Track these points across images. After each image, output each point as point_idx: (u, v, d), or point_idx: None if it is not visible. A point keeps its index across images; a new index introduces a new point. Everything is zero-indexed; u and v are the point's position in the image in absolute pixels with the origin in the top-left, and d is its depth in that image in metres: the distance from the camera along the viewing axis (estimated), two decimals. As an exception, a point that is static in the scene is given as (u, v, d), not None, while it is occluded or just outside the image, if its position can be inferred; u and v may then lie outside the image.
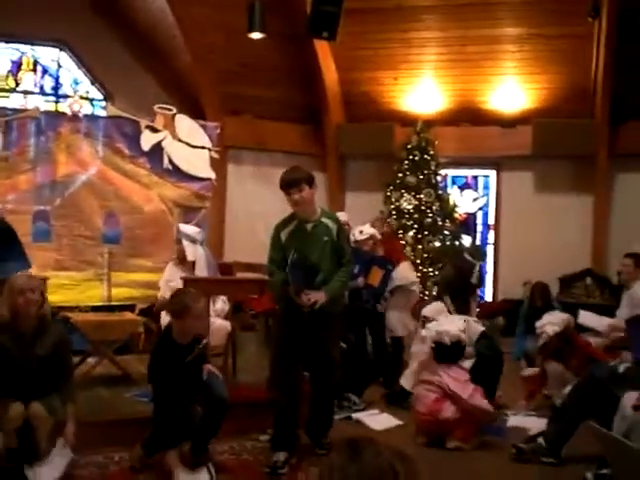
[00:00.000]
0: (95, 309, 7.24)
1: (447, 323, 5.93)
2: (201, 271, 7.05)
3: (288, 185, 5.14)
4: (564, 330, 6.61)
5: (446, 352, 5.78)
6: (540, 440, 5.15)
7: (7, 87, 13.04)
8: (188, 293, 5.08)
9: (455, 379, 5.64)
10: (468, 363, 6.08)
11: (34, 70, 13.24)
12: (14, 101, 12.84)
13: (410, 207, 11.27)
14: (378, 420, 6.29)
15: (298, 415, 5.28)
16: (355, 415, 6.37)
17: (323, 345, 5.26)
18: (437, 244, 11.23)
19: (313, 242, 5.18)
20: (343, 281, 5.32)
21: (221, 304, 7.08)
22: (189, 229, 7.56)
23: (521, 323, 8.76)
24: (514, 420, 6.40)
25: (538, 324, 6.86)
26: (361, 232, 7.39)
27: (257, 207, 11.95)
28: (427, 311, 6.88)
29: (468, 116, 12.39)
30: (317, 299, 5.01)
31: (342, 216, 7.62)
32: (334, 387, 5.46)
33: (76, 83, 13.46)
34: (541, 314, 8.23)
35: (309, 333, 5.15)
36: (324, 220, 5.29)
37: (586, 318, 7.90)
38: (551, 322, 6.67)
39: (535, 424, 5.88)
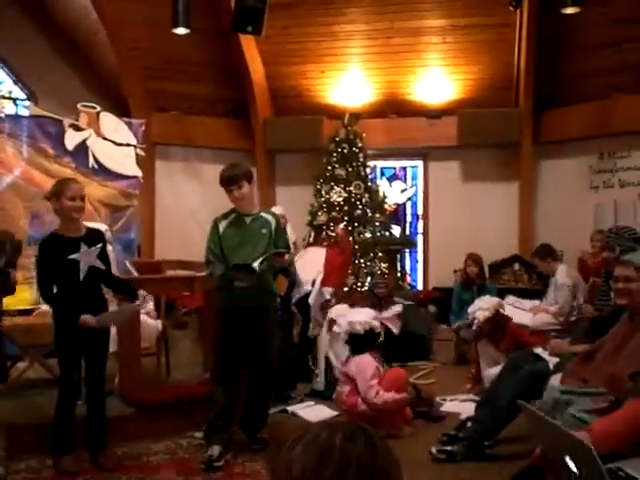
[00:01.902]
0: (23, 313, 7.11)
1: (357, 314, 5.98)
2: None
3: (228, 182, 5.21)
4: (495, 314, 6.74)
5: (361, 341, 5.83)
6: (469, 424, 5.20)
7: None
8: (63, 179, 5.08)
9: (362, 373, 5.66)
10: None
11: (-47, 70, 12.93)
12: None
13: (340, 199, 11.32)
14: (313, 412, 6.32)
15: (234, 411, 5.29)
16: (290, 408, 6.40)
17: (261, 338, 5.29)
18: (368, 235, 11.31)
19: (251, 234, 5.23)
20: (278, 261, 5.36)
21: (152, 304, 7.03)
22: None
23: (455, 299, 8.88)
24: (450, 405, 6.50)
25: (470, 310, 6.99)
26: None
27: (187, 203, 11.90)
28: (333, 313, 6.92)
29: (395, 108, 12.51)
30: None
31: (278, 209, 7.67)
32: (270, 381, 5.47)
33: (-2, 83, 13.18)
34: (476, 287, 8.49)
35: (247, 327, 5.18)
36: (263, 215, 5.38)
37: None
38: (481, 308, 6.79)
39: (470, 409, 5.94)
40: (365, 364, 5.70)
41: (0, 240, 4.40)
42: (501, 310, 6.86)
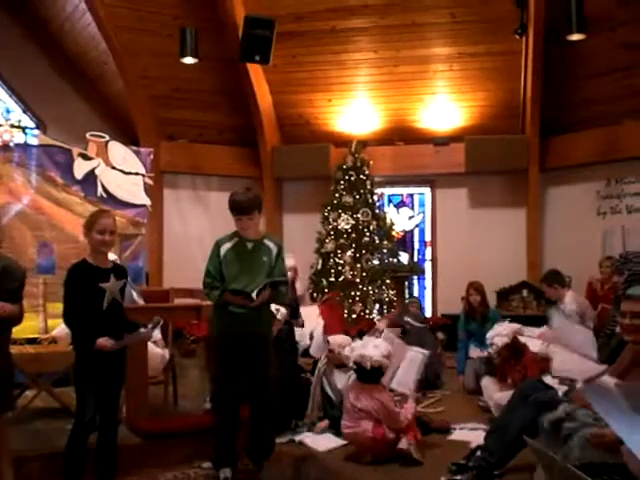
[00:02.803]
0: (31, 341, 7.10)
1: (370, 347, 5.95)
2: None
3: (240, 211, 5.15)
4: (512, 341, 6.71)
5: (366, 374, 5.83)
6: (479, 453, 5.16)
7: (-64, 117, 12.82)
8: (100, 210, 5.12)
9: (384, 408, 5.68)
10: None
11: (-36, 99, 13.04)
12: (-57, 131, 12.61)
13: (348, 227, 11.34)
14: (322, 441, 6.28)
15: (236, 434, 5.24)
16: (298, 437, 6.35)
17: (257, 366, 5.23)
18: (376, 262, 11.31)
19: (252, 262, 5.19)
20: (278, 295, 5.32)
21: (159, 333, 7.02)
22: None
23: (460, 331, 8.81)
24: (459, 434, 6.45)
25: (488, 335, 6.96)
26: None
27: (195, 231, 11.91)
28: (332, 341, 6.91)
29: (402, 135, 12.54)
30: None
31: (289, 261, 7.65)
32: (270, 409, 5.36)
33: (8, 112, 13.26)
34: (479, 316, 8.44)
35: (242, 354, 5.14)
36: (266, 242, 5.31)
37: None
38: (499, 334, 6.77)
39: (479, 438, 5.90)
40: (385, 399, 5.72)
41: (18, 269, 4.40)
42: (519, 337, 6.82)
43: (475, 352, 8.40)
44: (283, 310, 6.69)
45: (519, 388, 5.45)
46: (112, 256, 6.29)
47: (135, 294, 6.97)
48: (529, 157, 11.77)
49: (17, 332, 7.30)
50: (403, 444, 5.61)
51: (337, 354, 6.70)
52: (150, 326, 4.89)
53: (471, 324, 8.57)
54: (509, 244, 12.05)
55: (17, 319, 4.33)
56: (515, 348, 6.73)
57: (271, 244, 5.31)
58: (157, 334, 6.97)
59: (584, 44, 9.98)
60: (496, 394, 6.54)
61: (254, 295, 4.94)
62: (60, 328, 6.66)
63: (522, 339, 7.08)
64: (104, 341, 4.57)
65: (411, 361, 6.62)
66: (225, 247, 5.23)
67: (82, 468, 4.70)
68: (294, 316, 7.42)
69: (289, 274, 6.95)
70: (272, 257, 5.25)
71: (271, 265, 5.22)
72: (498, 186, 12.35)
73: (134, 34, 11.30)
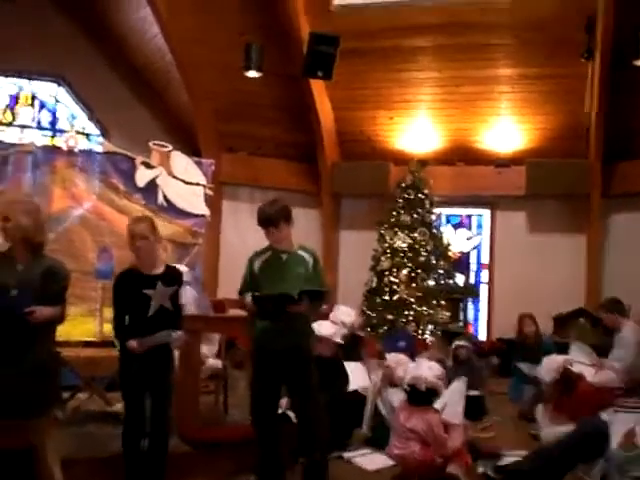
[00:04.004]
0: (87, 344, 7.19)
1: (425, 369, 5.88)
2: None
3: (266, 223, 5.13)
4: (562, 376, 6.57)
5: (419, 396, 5.75)
6: None
7: (4, 121, 13.11)
8: (139, 218, 5.12)
9: (431, 431, 5.61)
10: None
11: (32, 104, 13.31)
12: (11, 135, 12.87)
13: (404, 245, 11.28)
14: (370, 460, 6.22)
15: (280, 452, 5.20)
16: (347, 454, 6.30)
17: (296, 380, 5.15)
18: (431, 283, 11.22)
19: (287, 272, 5.11)
20: (316, 306, 5.25)
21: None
22: None
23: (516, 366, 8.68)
24: (509, 461, 6.32)
25: (537, 372, 6.84)
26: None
27: (251, 243, 11.88)
28: (390, 358, 6.86)
29: (462, 155, 12.47)
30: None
31: (347, 316, 7.63)
32: (318, 423, 5.18)
33: (73, 118, 13.52)
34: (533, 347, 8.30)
35: (280, 369, 5.07)
36: (300, 252, 5.23)
37: (575, 354, 7.89)
38: (547, 369, 6.64)
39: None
40: (435, 423, 5.64)
41: (62, 271, 4.42)
42: (569, 367, 6.67)
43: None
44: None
45: (577, 433, 5.30)
46: (183, 268, 6.37)
47: (198, 296, 7.03)
48: (591, 182, 11.60)
49: (73, 335, 7.45)
50: (452, 468, 5.54)
51: (392, 371, 6.65)
52: (178, 333, 4.87)
53: (526, 356, 8.44)
54: (568, 270, 11.87)
55: (58, 320, 4.36)
56: (566, 382, 6.58)
57: (306, 255, 5.24)
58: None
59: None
60: (546, 429, 6.37)
61: (295, 296, 4.85)
62: None
63: (575, 368, 6.93)
64: (131, 342, 4.61)
65: (456, 389, 6.54)
66: (259, 261, 5.21)
67: (140, 473, 4.73)
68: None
69: (343, 330, 6.94)
70: (308, 267, 5.17)
71: (308, 276, 5.13)
72: (558, 210, 12.19)
73: (200, 47, 11.42)
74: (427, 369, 5.83)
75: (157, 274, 4.79)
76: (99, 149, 10.36)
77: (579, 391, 6.56)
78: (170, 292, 4.80)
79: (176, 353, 5.29)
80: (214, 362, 6.84)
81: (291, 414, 5.66)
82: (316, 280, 5.17)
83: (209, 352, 7.00)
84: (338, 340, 6.92)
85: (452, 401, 6.31)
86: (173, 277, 4.88)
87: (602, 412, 5.25)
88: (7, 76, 13.07)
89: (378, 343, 9.49)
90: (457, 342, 8.70)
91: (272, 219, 5.11)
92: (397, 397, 6.40)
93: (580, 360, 7.78)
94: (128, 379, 4.79)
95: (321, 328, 6.73)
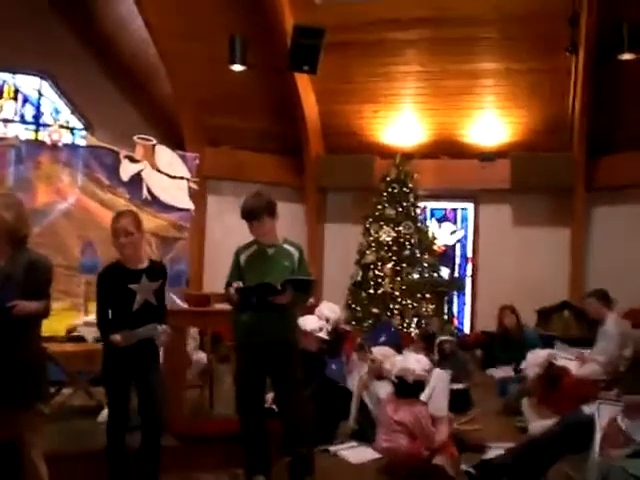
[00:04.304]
0: (71, 339, 7.17)
1: (413, 361, 5.90)
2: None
3: (249, 216, 5.12)
4: (546, 371, 6.60)
5: (407, 388, 5.77)
6: None
7: (-13, 115, 13.04)
8: (122, 213, 5.05)
9: (419, 423, 5.63)
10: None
11: (15, 99, 13.24)
12: (-6, 129, 12.83)
13: (389, 239, 11.29)
14: (356, 453, 6.23)
15: (265, 442, 5.22)
16: (333, 448, 6.31)
17: (279, 374, 5.16)
18: (416, 276, 11.24)
19: (273, 265, 5.10)
20: (301, 297, 5.22)
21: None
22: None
23: (498, 355, 8.72)
24: (494, 453, 6.34)
25: (522, 366, 6.87)
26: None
27: (236, 238, 11.85)
28: (376, 351, 6.87)
29: (447, 149, 12.49)
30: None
31: (331, 312, 7.62)
32: (302, 417, 5.19)
33: (57, 112, 13.45)
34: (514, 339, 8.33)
35: (265, 362, 5.09)
36: (286, 246, 5.24)
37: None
38: (532, 364, 6.66)
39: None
40: (424, 415, 5.66)
41: (45, 264, 4.38)
42: (554, 362, 6.71)
43: (506, 371, 8.31)
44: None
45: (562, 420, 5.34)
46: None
47: (175, 297, 6.99)
48: (575, 175, 11.65)
49: (58, 330, 7.43)
50: (439, 460, 5.55)
51: (379, 364, 6.66)
52: (163, 327, 4.84)
53: (507, 347, 8.48)
54: (552, 263, 11.92)
55: (43, 315, 4.34)
56: (551, 376, 6.61)
57: (292, 248, 5.25)
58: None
59: (636, 63, 9.85)
60: (533, 423, 6.39)
61: (278, 286, 4.85)
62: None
63: (559, 362, 6.97)
64: (115, 336, 4.60)
65: (440, 381, 6.56)
66: (245, 254, 5.21)
67: (124, 467, 4.72)
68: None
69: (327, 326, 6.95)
70: (294, 261, 5.18)
71: (294, 269, 5.14)
72: (543, 204, 12.23)
73: (184, 40, 11.37)
74: (415, 362, 5.85)
75: (142, 268, 4.77)
76: (83, 143, 10.33)
77: (564, 385, 6.60)
78: (154, 287, 4.79)
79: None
80: (201, 356, 6.83)
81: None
82: (302, 273, 5.18)
83: (192, 347, 7.00)
84: (323, 336, 6.91)
85: (437, 394, 6.34)
86: (158, 272, 4.86)
87: (586, 404, 5.26)
88: (-10, 70, 13.00)
89: (359, 337, 9.50)
90: (441, 337, 8.71)
91: (255, 213, 5.10)
92: (384, 390, 6.41)
93: (563, 354, 7.84)
94: (111, 373, 4.77)
95: (307, 323, 6.73)
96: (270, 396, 5.65)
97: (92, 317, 6.69)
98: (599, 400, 5.11)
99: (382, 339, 8.35)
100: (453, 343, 8.67)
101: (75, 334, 7.45)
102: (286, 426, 5.23)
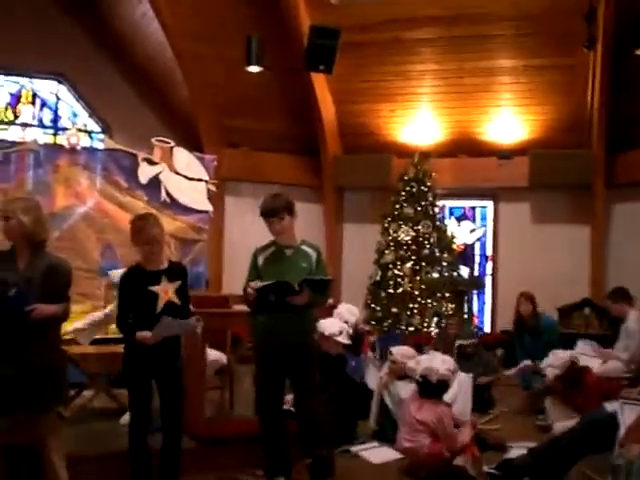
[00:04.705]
0: (92, 342, 7.19)
1: (438, 361, 5.89)
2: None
3: (269, 213, 5.14)
4: (566, 372, 6.57)
5: (430, 388, 5.76)
6: None
7: (6, 119, 13.11)
8: (144, 217, 5.02)
9: (441, 423, 5.61)
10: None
11: (33, 103, 13.31)
12: (13, 133, 12.89)
13: (408, 238, 11.26)
14: (377, 453, 6.22)
15: (285, 444, 5.23)
16: (354, 448, 6.31)
17: (298, 376, 5.19)
18: (435, 275, 11.20)
19: (291, 267, 5.12)
20: (319, 298, 5.20)
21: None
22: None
23: (518, 350, 8.64)
24: (516, 453, 6.31)
25: (542, 365, 6.85)
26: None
27: (255, 239, 11.87)
28: (396, 352, 6.85)
29: (465, 147, 12.44)
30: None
31: (351, 315, 7.63)
32: (320, 424, 5.21)
33: (74, 116, 13.52)
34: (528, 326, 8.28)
35: (282, 365, 5.11)
36: (304, 248, 5.26)
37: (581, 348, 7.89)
38: (552, 365, 6.63)
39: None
40: (447, 416, 5.67)
41: (63, 268, 4.40)
42: (576, 362, 6.67)
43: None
44: None
45: (584, 418, 5.30)
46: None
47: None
48: (594, 172, 11.56)
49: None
50: (460, 460, 5.54)
51: (401, 365, 6.65)
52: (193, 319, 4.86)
53: (524, 338, 8.42)
54: (572, 261, 11.84)
55: (62, 318, 4.36)
56: (572, 377, 6.58)
57: (309, 250, 5.27)
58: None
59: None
60: (557, 423, 6.34)
61: (296, 286, 4.86)
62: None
63: (582, 362, 6.93)
64: (142, 334, 4.60)
65: (464, 386, 6.55)
66: (263, 256, 5.23)
67: (146, 469, 4.73)
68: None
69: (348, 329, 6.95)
70: (312, 262, 5.19)
71: (311, 270, 5.15)
72: (562, 201, 12.16)
73: (200, 42, 11.40)
74: (440, 362, 5.85)
75: (161, 270, 4.78)
76: (101, 146, 10.37)
77: (586, 383, 6.56)
78: (175, 287, 4.80)
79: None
80: (218, 356, 6.83)
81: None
82: (320, 275, 5.18)
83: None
84: (343, 340, 6.90)
85: (461, 398, 6.33)
86: (177, 272, 4.87)
87: (608, 403, 5.22)
88: (8, 74, 13.06)
89: (373, 335, 9.50)
90: (460, 341, 8.64)
91: (275, 210, 5.13)
92: (405, 390, 6.41)
93: (586, 352, 7.79)
94: (132, 374, 4.79)
95: (326, 327, 6.74)
96: (289, 397, 5.65)
97: (84, 321, 6.75)
98: (622, 399, 5.07)
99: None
100: (473, 345, 8.61)
101: (97, 337, 7.47)
102: (304, 428, 5.24)
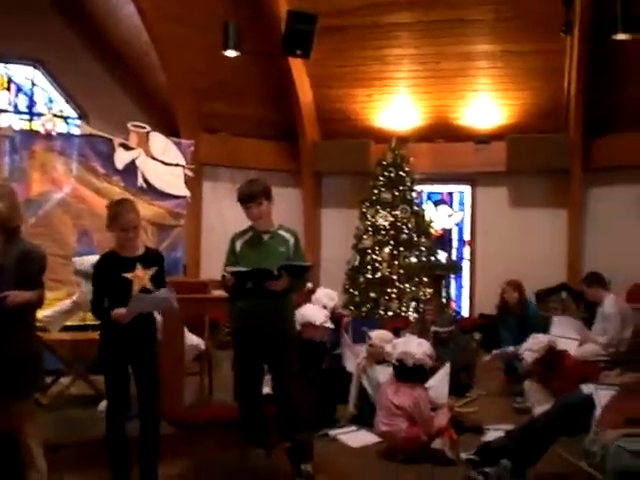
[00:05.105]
0: (68, 328, 7.16)
1: (414, 345, 5.90)
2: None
3: (247, 199, 5.11)
4: (545, 356, 6.61)
5: (407, 372, 5.77)
6: (504, 462, 5.06)
7: (-19, 106, 12.97)
8: (120, 202, 4.93)
9: (418, 407, 5.64)
10: None
11: (8, 89, 13.17)
12: (-13, 120, 12.76)
13: (386, 223, 11.28)
14: (355, 437, 6.24)
15: (264, 425, 5.27)
16: (332, 432, 6.32)
17: (275, 362, 5.19)
18: (413, 260, 11.24)
19: (268, 252, 5.10)
20: (297, 283, 5.16)
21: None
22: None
23: (503, 331, 8.69)
24: (493, 435, 6.35)
25: (520, 350, 6.90)
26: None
27: (233, 225, 11.85)
28: (374, 336, 6.87)
29: (442, 132, 12.46)
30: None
31: (329, 299, 7.63)
32: (299, 408, 5.19)
33: (50, 101, 13.39)
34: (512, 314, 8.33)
35: (260, 350, 5.10)
36: (281, 232, 5.24)
37: (558, 329, 7.93)
38: (530, 349, 6.67)
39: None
40: (423, 399, 5.69)
41: (37, 254, 4.36)
42: (554, 347, 6.72)
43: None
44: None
45: (559, 400, 5.35)
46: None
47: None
48: (572, 157, 11.63)
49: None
50: (437, 444, 5.57)
51: (379, 349, 6.66)
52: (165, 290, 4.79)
53: (509, 324, 8.46)
54: (549, 245, 11.92)
55: (36, 305, 4.32)
56: (549, 361, 6.63)
57: (287, 234, 5.24)
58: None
59: (631, 43, 9.80)
60: (538, 407, 6.39)
61: (275, 271, 4.84)
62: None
63: (560, 345, 6.98)
64: (118, 311, 4.56)
65: (443, 370, 6.57)
66: (240, 241, 5.21)
67: (124, 455, 4.70)
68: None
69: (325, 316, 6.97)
70: (290, 247, 5.17)
71: (289, 256, 5.13)
72: (539, 186, 12.22)
73: (177, 26, 11.32)
74: (416, 345, 5.86)
75: (136, 256, 4.74)
76: (77, 132, 10.30)
77: (564, 367, 6.61)
78: (151, 273, 4.76)
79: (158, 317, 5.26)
80: (198, 342, 6.82)
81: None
82: (297, 260, 5.16)
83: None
84: (329, 325, 6.93)
85: (438, 382, 6.35)
86: (153, 258, 4.82)
87: (584, 385, 5.27)
88: (-18, 60, 12.93)
89: (348, 317, 9.52)
90: (434, 327, 8.65)
91: (253, 195, 5.11)
92: (383, 375, 6.42)
93: (563, 335, 7.84)
94: (108, 359, 4.75)
95: (315, 316, 6.76)
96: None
97: (52, 309, 6.70)
98: (597, 385, 5.12)
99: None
100: (448, 331, 8.62)
101: (73, 324, 7.44)
102: (283, 413, 5.24)
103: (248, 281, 4.93)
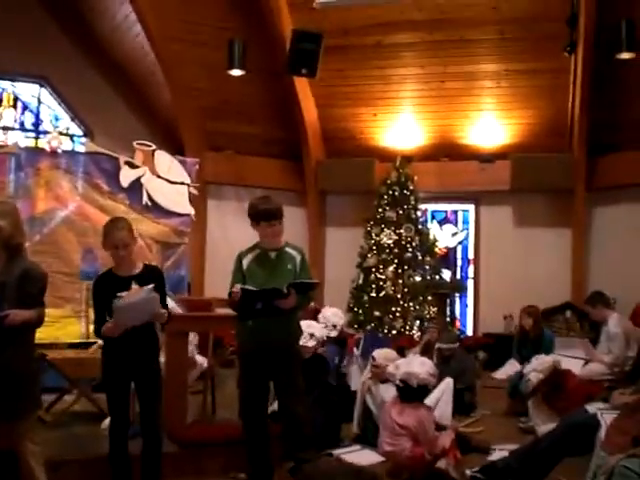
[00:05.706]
0: (73, 346, 7.16)
1: (417, 365, 5.87)
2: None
3: (271, 216, 5.09)
4: (549, 376, 6.59)
5: (411, 393, 5.74)
6: None
7: (-14, 123, 13.02)
8: (112, 220, 4.93)
9: (422, 427, 5.61)
10: None
11: (14, 106, 13.22)
12: (-6, 137, 12.81)
13: (390, 242, 11.30)
14: (359, 457, 6.20)
15: (269, 451, 5.20)
16: (336, 452, 6.28)
17: (281, 380, 5.17)
18: (417, 279, 11.24)
19: (276, 270, 5.10)
20: (302, 301, 5.13)
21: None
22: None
23: (514, 354, 8.69)
24: (498, 455, 6.32)
25: (525, 370, 6.88)
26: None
27: (237, 243, 11.83)
28: (378, 355, 6.84)
29: (447, 151, 12.48)
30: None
31: (338, 318, 7.65)
32: (301, 424, 5.17)
33: (56, 119, 13.44)
34: (532, 340, 8.32)
35: (267, 369, 5.08)
36: (288, 250, 5.23)
37: (562, 350, 7.93)
38: (535, 369, 6.66)
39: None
40: (428, 420, 5.65)
41: (38, 273, 4.35)
42: (558, 367, 6.71)
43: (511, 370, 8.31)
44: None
45: (564, 420, 5.33)
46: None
47: (172, 302, 6.96)
48: (576, 176, 11.63)
49: (59, 336, 7.42)
50: (442, 463, 5.54)
51: (383, 368, 6.64)
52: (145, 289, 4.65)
53: (524, 349, 8.46)
54: (553, 264, 11.89)
55: (36, 324, 4.31)
56: (554, 381, 6.61)
57: (294, 252, 5.24)
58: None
59: (634, 62, 9.84)
60: (543, 426, 6.37)
61: (284, 289, 4.82)
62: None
63: (563, 364, 6.97)
64: (106, 325, 4.53)
65: (448, 389, 6.55)
66: (247, 259, 5.18)
67: (126, 474, 4.69)
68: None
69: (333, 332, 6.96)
70: (296, 264, 5.16)
71: (296, 273, 5.13)
72: (543, 205, 12.22)
73: (182, 45, 11.39)
74: (419, 365, 5.83)
75: (132, 275, 4.71)
76: (82, 150, 10.32)
77: (568, 387, 6.60)
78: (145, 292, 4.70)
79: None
80: (201, 360, 6.81)
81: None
82: (304, 277, 5.16)
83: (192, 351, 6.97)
84: (310, 344, 6.85)
85: (442, 402, 6.33)
86: (149, 277, 4.77)
87: (589, 404, 5.25)
88: (-11, 78, 12.99)
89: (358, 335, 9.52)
90: (439, 344, 8.63)
91: (280, 211, 5.13)
92: (388, 394, 6.38)
93: (567, 354, 7.83)
94: (110, 377, 4.74)
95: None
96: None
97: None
98: (599, 408, 5.09)
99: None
100: (452, 349, 8.60)
101: (76, 340, 7.45)
102: (288, 431, 5.22)
103: (258, 302, 4.91)
